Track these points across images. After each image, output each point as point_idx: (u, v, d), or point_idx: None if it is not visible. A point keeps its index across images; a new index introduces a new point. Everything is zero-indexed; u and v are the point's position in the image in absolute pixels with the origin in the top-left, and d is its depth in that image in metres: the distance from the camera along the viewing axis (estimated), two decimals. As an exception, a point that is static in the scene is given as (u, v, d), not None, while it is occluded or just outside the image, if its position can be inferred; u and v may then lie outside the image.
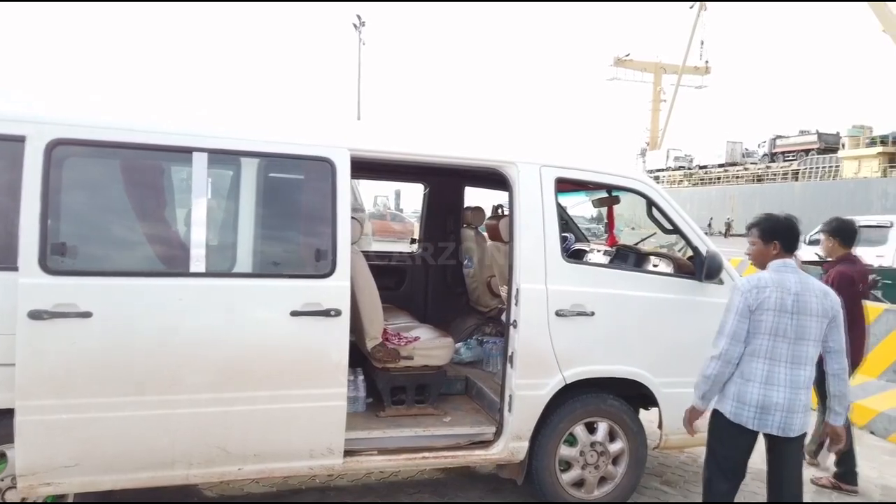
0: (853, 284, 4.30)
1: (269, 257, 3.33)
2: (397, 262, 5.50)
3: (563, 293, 3.62)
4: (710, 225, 46.88)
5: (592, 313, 3.64)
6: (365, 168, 4.39)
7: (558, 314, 3.59)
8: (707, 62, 67.06)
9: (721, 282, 3.89)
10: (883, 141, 40.59)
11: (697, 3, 64.53)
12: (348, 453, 3.33)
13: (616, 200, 4.68)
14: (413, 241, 5.86)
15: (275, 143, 3.22)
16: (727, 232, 45.49)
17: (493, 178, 3.90)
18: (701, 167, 58.46)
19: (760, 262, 3.05)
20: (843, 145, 43.44)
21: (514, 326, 3.56)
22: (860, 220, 12.66)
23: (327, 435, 3.26)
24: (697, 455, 4.71)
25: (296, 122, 3.49)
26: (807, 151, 48.46)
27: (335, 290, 3.21)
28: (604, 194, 4.78)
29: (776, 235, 3.00)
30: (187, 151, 3.06)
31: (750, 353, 2.89)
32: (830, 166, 44.22)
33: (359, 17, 32.73)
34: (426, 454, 3.55)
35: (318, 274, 3.23)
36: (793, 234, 3.01)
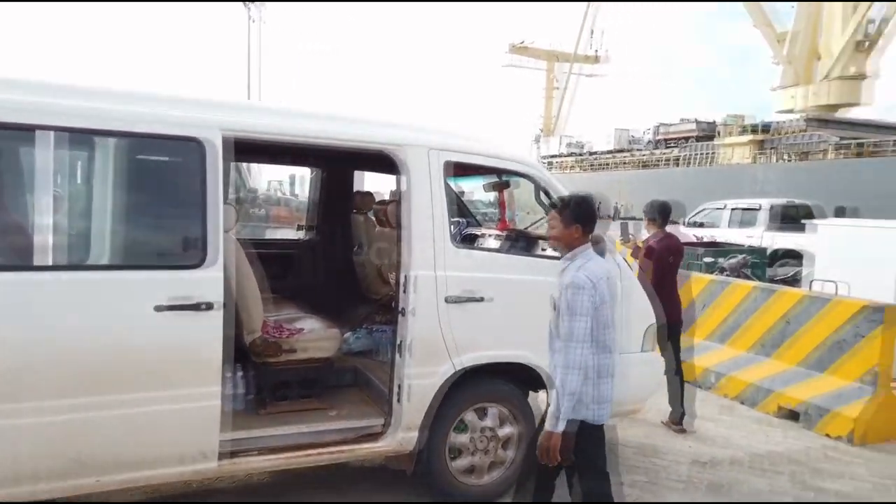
0: (661, 257, 4.98)
1: (130, 247, 3.03)
2: (283, 249, 5.24)
3: (455, 279, 3.55)
4: (598, 209, 48.86)
5: (483, 299, 3.60)
6: (248, 150, 4.12)
7: (449, 301, 3.51)
8: (598, 52, 69.67)
9: (606, 264, 3.95)
10: (753, 129, 43.79)
11: (588, -6, 66.68)
12: (225, 455, 3.11)
13: (507, 185, 4.67)
14: (300, 227, 5.59)
15: (135, 122, 2.91)
16: (615, 216, 47.71)
17: (384, 162, 3.75)
18: (591, 153, 60.78)
19: (568, 243, 2.89)
20: (719, 133, 46.49)
21: (404, 314, 3.45)
22: (732, 203, 13.63)
23: (199, 438, 3.02)
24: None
25: (161, 98, 3.16)
26: (687, 139, 51.46)
27: (207, 281, 2.97)
28: (496, 179, 4.76)
29: (579, 219, 2.88)
30: (29, 129, 2.70)
31: (600, 349, 2.76)
32: (708, 153, 47.22)
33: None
34: (310, 451, 3.39)
35: (187, 265, 2.97)
36: (593, 215, 2.95)
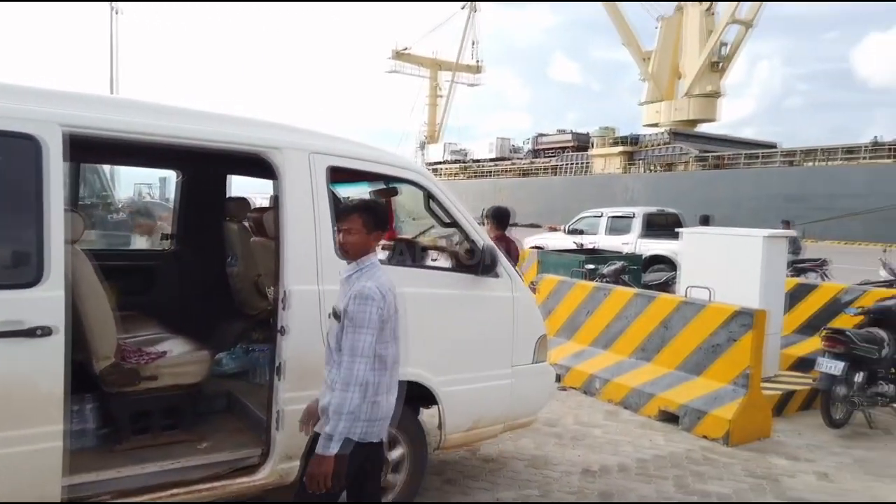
0: None
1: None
2: (145, 261, 4.72)
3: (336, 293, 3.28)
4: (482, 215, 50.03)
5: (370, 314, 3.35)
6: (99, 150, 3.63)
7: (334, 316, 3.23)
8: (479, 61, 71.33)
9: (497, 275, 3.85)
10: (623, 141, 46.54)
11: (469, 4, 68.18)
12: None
13: (394, 192, 4.45)
14: (165, 236, 5.06)
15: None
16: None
17: (262, 166, 3.41)
18: (475, 161, 62.07)
19: (364, 251, 2.67)
20: (593, 144, 49.00)
21: (283, 333, 3.14)
22: (609, 211, 14.19)
23: (36, 486, 2.56)
24: (477, 449, 4.70)
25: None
26: (564, 149, 53.89)
27: (43, 302, 2.51)
28: (382, 186, 4.52)
29: (380, 225, 2.69)
30: None
31: (381, 365, 2.56)
32: (583, 162, 49.64)
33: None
34: (176, 491, 2.98)
35: (17, 283, 2.50)
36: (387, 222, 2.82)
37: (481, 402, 3.88)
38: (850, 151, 34.68)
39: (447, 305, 3.71)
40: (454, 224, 3.83)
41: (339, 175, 3.94)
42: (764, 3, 41.57)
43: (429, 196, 3.77)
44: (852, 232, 30.41)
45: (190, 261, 4.69)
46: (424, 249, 4.28)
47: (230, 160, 4.34)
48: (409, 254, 4.26)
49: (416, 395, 3.71)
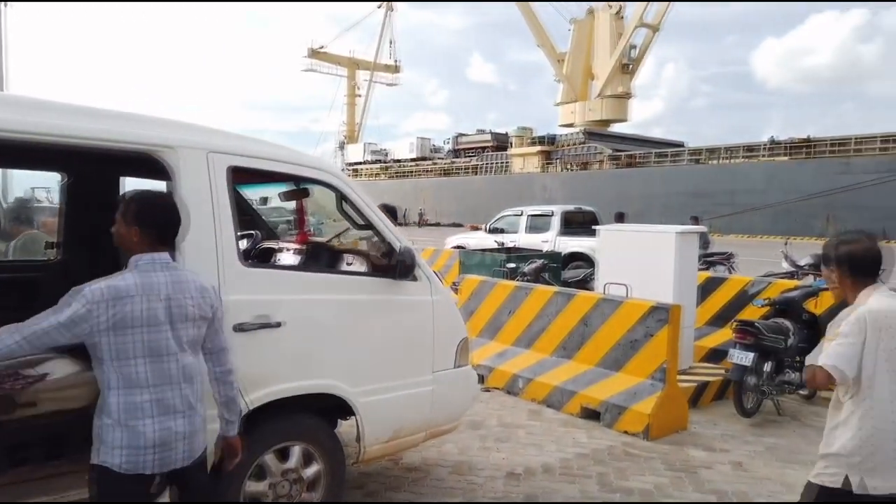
0: None
1: None
2: (25, 273, 4.27)
3: (244, 303, 3.04)
4: (405, 215, 49.92)
5: (279, 324, 3.14)
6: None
7: (238, 329, 3.00)
8: (397, 61, 71.10)
9: (416, 278, 3.70)
10: (541, 141, 47.51)
11: (385, 4, 67.82)
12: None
13: (305, 193, 4.23)
14: (49, 245, 4.61)
15: None
16: (420, 222, 48.90)
17: (156, 167, 3.11)
18: (396, 161, 61.81)
19: (126, 246, 2.40)
20: (512, 144, 49.78)
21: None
22: (529, 209, 14.33)
23: None
24: (399, 458, 4.54)
25: None
26: (483, 149, 54.50)
27: None
28: (294, 187, 4.29)
29: (138, 220, 2.35)
30: None
31: (126, 385, 2.24)
32: (503, 162, 50.35)
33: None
34: (60, 530, 2.67)
35: None
36: (158, 220, 2.40)
37: (402, 412, 3.73)
38: (750, 150, 36.76)
39: (363, 312, 3.53)
40: (369, 226, 3.66)
41: (247, 176, 3.71)
42: (671, 3, 43.38)
43: (341, 197, 3.58)
44: (754, 226, 32.27)
45: (79, 271, 4.27)
46: (338, 253, 4.09)
47: (122, 161, 3.99)
48: (322, 258, 4.07)
49: (333, 407, 3.54)
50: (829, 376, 2.46)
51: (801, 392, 6.11)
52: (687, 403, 5.62)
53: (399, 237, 3.68)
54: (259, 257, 4.59)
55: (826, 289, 6.39)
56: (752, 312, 6.85)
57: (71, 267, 4.31)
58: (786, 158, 34.38)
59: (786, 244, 9.94)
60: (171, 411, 2.30)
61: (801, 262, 8.37)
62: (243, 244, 4.77)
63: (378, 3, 68.49)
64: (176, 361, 2.32)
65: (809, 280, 7.95)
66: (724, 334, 7.30)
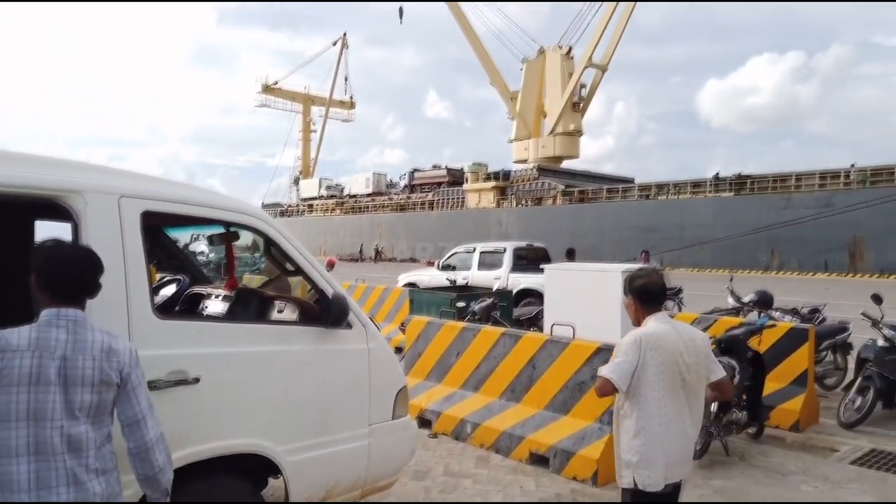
0: None
1: None
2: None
3: (157, 359, 2.82)
4: (361, 251, 49.53)
5: (197, 380, 2.92)
6: None
7: (151, 387, 2.76)
8: (352, 97, 71.43)
9: (349, 326, 3.53)
10: (496, 177, 48.03)
11: (340, 40, 68.37)
12: None
13: (234, 237, 4.04)
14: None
15: None
16: (377, 257, 48.57)
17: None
18: (351, 196, 61.56)
19: (37, 301, 2.27)
20: (467, 179, 50.15)
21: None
22: (481, 246, 14.30)
23: None
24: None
25: None
26: (439, 184, 54.75)
27: None
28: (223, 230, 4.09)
29: (41, 272, 2.23)
30: None
31: (2, 453, 2.05)
32: (458, 197, 50.62)
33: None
34: None
35: None
36: (51, 273, 2.22)
37: (334, 468, 3.51)
38: (697, 185, 37.82)
39: (292, 363, 3.33)
40: (299, 271, 3.48)
41: (169, 220, 3.51)
42: (617, 45, 44.87)
43: (268, 242, 3.40)
44: (702, 259, 33.03)
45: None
46: (269, 300, 3.89)
47: (34, 205, 3.74)
48: (252, 305, 3.87)
49: (261, 466, 3.31)
50: (610, 385, 2.97)
51: (748, 431, 6.10)
52: (636, 446, 5.51)
53: (332, 283, 3.51)
54: (187, 304, 4.36)
55: (770, 326, 6.46)
56: (698, 350, 6.85)
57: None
58: (731, 194, 35.47)
59: (731, 279, 10.08)
60: (50, 485, 2.05)
61: (745, 299, 8.47)
62: (170, 290, 4.55)
63: (334, 40, 69.06)
64: (60, 429, 2.08)
65: (753, 316, 8.04)
66: (673, 372, 7.30)
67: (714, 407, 5.57)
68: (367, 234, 52.89)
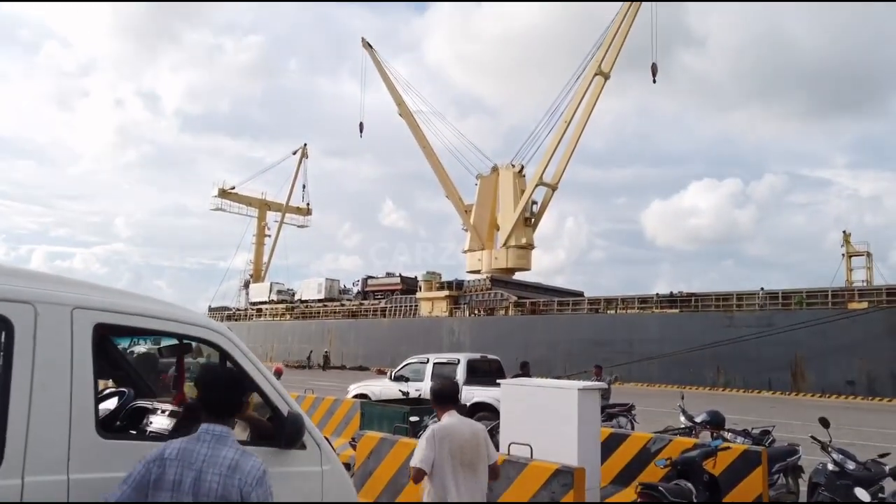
0: None
1: None
2: None
3: (97, 483, 2.64)
4: (309, 358, 48.30)
5: (140, 506, 2.71)
6: None
7: (87, 515, 2.56)
8: (308, 204, 72.32)
9: (304, 446, 3.38)
10: (449, 286, 48.45)
11: (300, 151, 70.09)
12: None
13: (187, 349, 3.91)
14: None
15: None
16: (325, 364, 47.36)
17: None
18: (302, 301, 60.82)
19: None
20: (420, 288, 50.39)
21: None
22: (434, 357, 14.12)
23: None
24: None
25: None
26: (392, 291, 54.78)
27: None
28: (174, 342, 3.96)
29: (197, 390, 2.67)
30: None
31: None
32: (411, 305, 50.58)
33: None
34: None
35: None
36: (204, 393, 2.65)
37: None
38: (644, 301, 38.87)
39: (241, 487, 3.14)
40: (254, 388, 3.36)
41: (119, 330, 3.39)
42: (567, 165, 47.29)
43: (224, 356, 3.29)
44: (651, 374, 33.38)
45: None
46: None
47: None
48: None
49: None
50: (422, 472, 3.81)
51: (707, 558, 5.94)
52: (595, 577, 5.30)
53: (288, 400, 3.39)
54: (129, 419, 4.12)
55: (724, 448, 6.47)
56: (653, 472, 6.78)
57: None
58: (676, 311, 36.52)
59: (682, 398, 10.17)
60: None
61: (698, 419, 8.53)
62: (112, 403, 4.31)
63: (294, 149, 70.73)
64: None
65: (706, 436, 8.07)
66: (628, 495, 7.15)
67: (673, 534, 5.45)
68: (316, 341, 51.81)
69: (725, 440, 7.40)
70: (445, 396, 4.13)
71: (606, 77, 44.11)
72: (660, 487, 5.54)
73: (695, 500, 5.70)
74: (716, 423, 8.21)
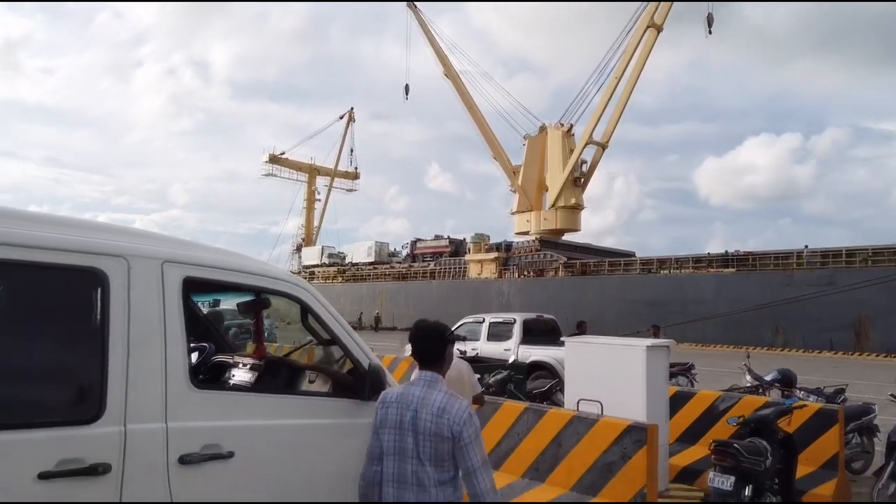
0: None
1: None
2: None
3: (192, 431, 2.70)
4: (360, 319, 49.19)
5: (231, 454, 2.78)
6: None
7: (184, 461, 2.63)
8: (356, 168, 72.72)
9: (384, 399, 3.38)
10: (497, 248, 48.30)
11: (346, 115, 70.24)
12: None
13: (265, 305, 3.94)
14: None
15: None
16: (377, 325, 48.15)
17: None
18: (353, 264, 61.69)
19: None
20: (469, 250, 50.39)
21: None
22: (490, 317, 14.13)
23: None
24: None
25: None
26: (441, 254, 55.00)
27: None
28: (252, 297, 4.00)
29: (411, 342, 2.97)
30: None
31: (384, 476, 2.78)
32: (460, 267, 50.72)
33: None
34: None
35: None
36: (416, 345, 2.94)
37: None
38: (698, 261, 37.97)
39: (326, 437, 3.18)
40: (335, 341, 3.38)
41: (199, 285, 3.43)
42: (617, 123, 46.06)
43: (305, 310, 3.31)
44: (705, 335, 32.74)
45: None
46: (299, 370, 3.77)
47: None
48: (281, 376, 3.74)
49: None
50: None
51: (781, 517, 5.81)
52: (667, 532, 5.26)
53: (369, 354, 3.40)
54: (211, 374, 4.22)
55: (800, 406, 6.28)
56: (722, 430, 6.65)
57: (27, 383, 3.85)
58: (732, 270, 35.58)
59: (747, 357, 9.91)
60: None
61: (767, 377, 8.30)
62: (193, 357, 4.41)
63: (341, 114, 70.95)
64: (411, 465, 2.70)
65: (776, 395, 7.86)
66: (696, 452, 7.06)
67: (748, 491, 5.34)
68: (367, 303, 52.66)
69: (799, 398, 7.18)
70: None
71: (659, 30, 42.43)
72: (735, 445, 5.41)
73: (769, 458, 5.56)
74: (787, 381, 7.98)
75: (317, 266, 65.17)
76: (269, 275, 3.19)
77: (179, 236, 3.17)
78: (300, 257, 69.20)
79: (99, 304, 2.57)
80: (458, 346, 13.04)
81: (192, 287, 3.03)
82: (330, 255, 65.43)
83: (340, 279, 60.93)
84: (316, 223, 72.61)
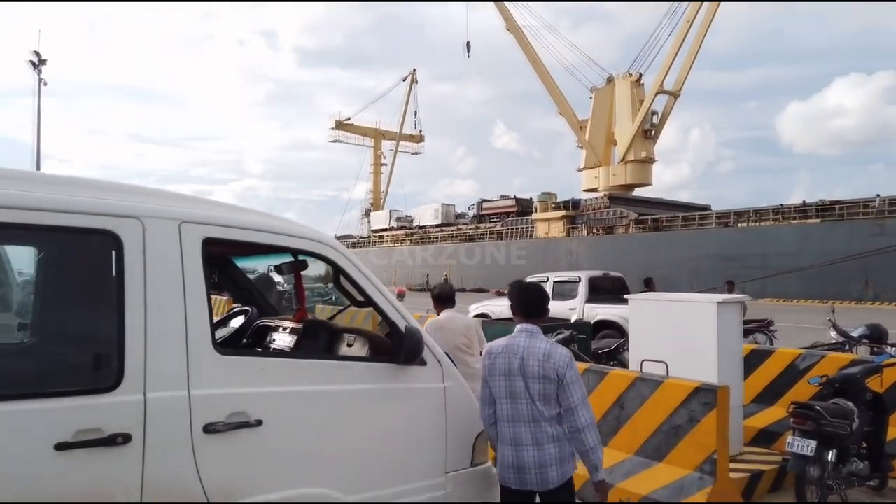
0: None
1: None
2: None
3: (217, 399, 2.59)
4: (427, 281, 49.56)
5: (260, 422, 2.65)
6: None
7: (210, 430, 2.53)
8: (421, 131, 72.51)
9: (424, 362, 3.20)
10: (565, 206, 47.31)
11: (409, 77, 69.76)
12: None
13: (303, 266, 3.80)
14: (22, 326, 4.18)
15: None
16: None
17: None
18: (420, 227, 62.02)
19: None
20: (536, 209, 49.61)
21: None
22: (555, 276, 13.77)
23: None
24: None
25: None
26: (507, 214, 54.44)
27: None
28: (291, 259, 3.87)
29: (511, 300, 3.32)
30: None
31: (498, 416, 3.16)
32: (527, 227, 50.10)
33: (37, 53, 28.22)
34: None
35: None
36: (521, 301, 3.26)
37: (408, 524, 3.15)
38: (779, 212, 35.97)
39: (362, 404, 3.02)
40: (369, 302, 3.19)
41: (230, 248, 3.31)
42: (689, 71, 43.72)
43: (337, 271, 3.13)
44: (788, 289, 31.14)
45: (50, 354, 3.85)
46: (338, 333, 3.62)
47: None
48: (320, 339, 3.60)
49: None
50: None
51: (870, 484, 5.35)
52: (741, 499, 4.91)
53: (406, 315, 3.20)
54: (255, 336, 4.15)
55: (891, 364, 5.72)
56: (803, 391, 6.18)
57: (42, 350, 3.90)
58: (817, 220, 33.52)
59: (832, 311, 9.21)
60: (522, 444, 3.08)
61: (855, 333, 7.66)
62: (239, 321, 4.36)
63: (404, 76, 70.54)
64: (525, 404, 3.07)
65: (865, 352, 7.24)
66: (775, 413, 6.61)
67: (832, 456, 4.91)
68: (434, 265, 52.93)
69: (891, 356, 6.57)
70: (444, 298, 5.32)
71: (735, -35, 39.62)
72: (816, 407, 4.97)
73: (856, 421, 5.09)
74: (876, 337, 7.33)
75: (385, 230, 65.93)
76: (296, 234, 3.01)
77: (255, 205, 3.06)
78: (369, 221, 70.19)
79: (114, 267, 2.46)
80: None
81: (217, 245, 2.89)
82: (398, 219, 66.03)
83: (409, 242, 61.44)
84: (383, 187, 73.29)
